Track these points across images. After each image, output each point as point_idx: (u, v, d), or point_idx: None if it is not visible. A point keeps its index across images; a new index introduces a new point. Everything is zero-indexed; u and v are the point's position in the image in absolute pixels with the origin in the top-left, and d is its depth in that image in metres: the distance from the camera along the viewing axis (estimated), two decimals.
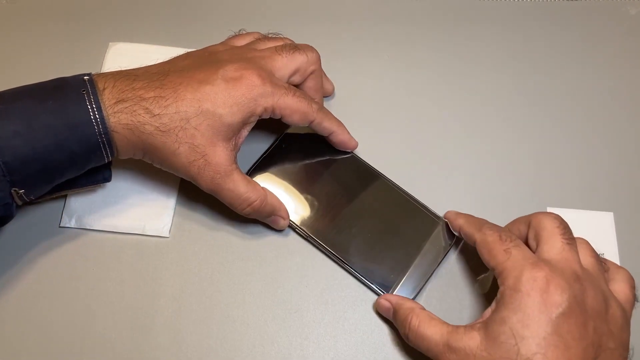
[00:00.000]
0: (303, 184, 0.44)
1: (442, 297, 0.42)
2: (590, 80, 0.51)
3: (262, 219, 0.42)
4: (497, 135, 0.49)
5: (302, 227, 0.43)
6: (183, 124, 0.37)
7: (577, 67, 0.52)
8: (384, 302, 0.40)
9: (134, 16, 0.53)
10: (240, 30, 0.45)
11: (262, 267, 0.43)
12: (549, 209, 0.45)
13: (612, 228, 0.45)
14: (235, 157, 0.40)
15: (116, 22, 0.53)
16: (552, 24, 0.54)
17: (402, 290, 0.41)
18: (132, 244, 0.43)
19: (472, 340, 0.34)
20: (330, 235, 0.42)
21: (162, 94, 0.37)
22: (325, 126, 0.42)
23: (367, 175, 0.45)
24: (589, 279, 0.35)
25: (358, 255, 0.42)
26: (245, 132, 0.40)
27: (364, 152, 0.46)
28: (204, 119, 0.37)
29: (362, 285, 0.42)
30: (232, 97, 0.38)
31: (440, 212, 0.44)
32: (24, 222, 0.43)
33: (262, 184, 0.42)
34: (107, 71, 0.39)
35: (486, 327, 0.34)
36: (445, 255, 0.43)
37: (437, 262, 0.42)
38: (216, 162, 0.38)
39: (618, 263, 0.43)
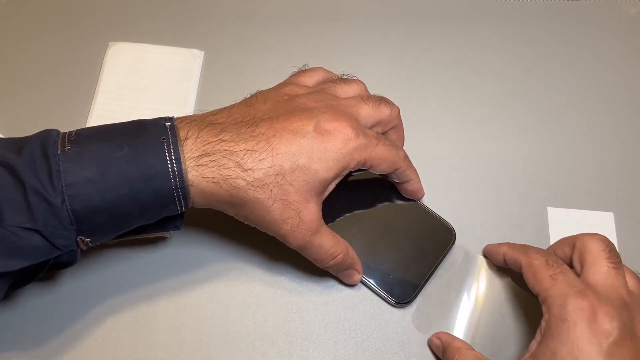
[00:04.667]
0: None
1: (443, 297, 0.42)
2: (591, 80, 0.51)
3: (338, 272, 0.41)
4: (497, 135, 0.49)
5: None
6: (278, 179, 0.35)
7: (577, 67, 0.52)
8: (435, 340, 0.40)
9: (134, 16, 0.53)
10: (304, 66, 0.44)
11: (262, 266, 0.43)
12: (549, 209, 0.45)
13: (612, 228, 0.45)
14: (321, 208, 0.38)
15: (116, 22, 0.53)
16: (552, 24, 0.54)
17: (401, 290, 0.41)
18: (132, 244, 0.43)
19: None
20: None
21: (254, 147, 0.35)
22: (407, 174, 0.41)
23: (369, 176, 0.45)
24: (637, 303, 0.34)
25: (358, 256, 0.41)
26: (333, 184, 0.38)
27: None
28: (299, 175, 0.36)
29: (362, 285, 0.42)
30: (327, 151, 0.36)
31: (441, 212, 0.44)
32: None
33: None
34: (189, 115, 0.37)
35: None
36: (444, 257, 0.43)
37: (436, 263, 0.42)
38: (309, 219, 0.37)
39: None
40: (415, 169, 0.43)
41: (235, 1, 0.55)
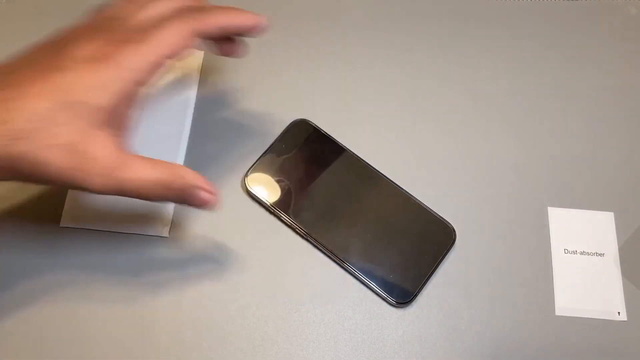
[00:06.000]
0: (304, 186, 0.44)
1: (443, 297, 0.42)
2: (590, 80, 0.51)
3: (184, 201, 0.35)
4: (497, 135, 0.49)
5: (301, 227, 0.43)
6: (43, 124, 0.30)
7: (577, 67, 0.52)
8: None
9: None
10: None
11: (262, 267, 0.43)
12: (549, 209, 0.45)
13: (612, 228, 0.45)
14: (127, 142, 0.33)
15: None
16: (552, 24, 0.54)
17: (401, 290, 0.41)
18: (132, 244, 0.43)
19: None
20: (331, 235, 0.42)
21: (6, 96, 0.30)
22: (213, 27, 0.35)
23: (369, 176, 0.45)
24: None
25: (358, 256, 0.42)
26: (130, 110, 0.33)
27: (365, 153, 0.46)
28: (68, 112, 0.31)
29: (362, 285, 0.42)
30: (92, 78, 0.31)
31: (441, 212, 0.44)
32: (24, 221, 0.43)
33: (263, 185, 0.41)
34: None
35: None
36: (444, 257, 0.43)
37: (436, 263, 0.42)
38: (102, 155, 0.31)
39: (618, 263, 0.43)
40: (222, 9, 0.37)
41: (235, 1, 0.54)
